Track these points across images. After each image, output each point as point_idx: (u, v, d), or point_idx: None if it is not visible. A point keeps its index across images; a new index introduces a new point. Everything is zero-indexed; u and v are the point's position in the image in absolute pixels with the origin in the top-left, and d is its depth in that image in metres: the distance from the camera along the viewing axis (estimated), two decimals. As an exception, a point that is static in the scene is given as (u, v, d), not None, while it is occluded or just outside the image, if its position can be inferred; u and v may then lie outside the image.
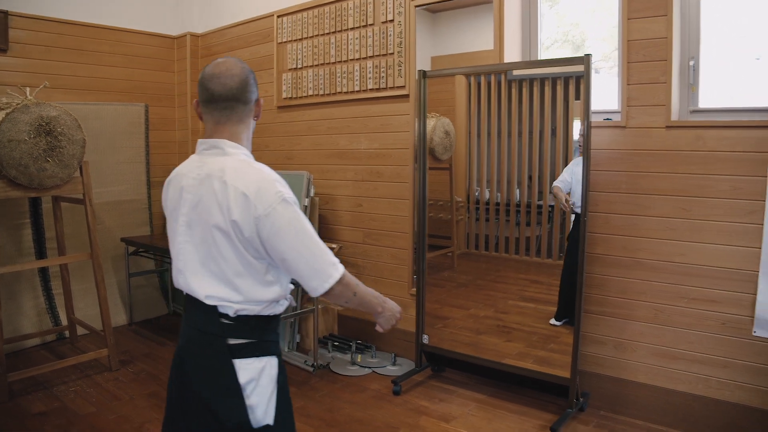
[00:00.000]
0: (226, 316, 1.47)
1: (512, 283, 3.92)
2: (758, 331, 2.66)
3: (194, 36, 5.03)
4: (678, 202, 2.84)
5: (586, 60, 2.78)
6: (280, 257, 1.42)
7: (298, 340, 4.10)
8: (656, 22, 2.82)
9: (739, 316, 2.70)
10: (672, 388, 2.90)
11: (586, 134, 2.82)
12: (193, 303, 1.52)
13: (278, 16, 4.42)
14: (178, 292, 4.91)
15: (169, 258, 4.53)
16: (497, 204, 3.70)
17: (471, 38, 3.82)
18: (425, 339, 3.58)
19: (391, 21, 3.78)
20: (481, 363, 3.34)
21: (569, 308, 3.39)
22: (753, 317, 2.67)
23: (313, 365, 3.71)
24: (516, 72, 3.35)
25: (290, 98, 4.44)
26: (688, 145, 2.79)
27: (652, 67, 2.85)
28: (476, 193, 3.81)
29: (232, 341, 1.47)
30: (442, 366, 3.69)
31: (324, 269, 1.44)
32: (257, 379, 1.49)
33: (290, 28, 4.36)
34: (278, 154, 4.59)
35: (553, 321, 3.49)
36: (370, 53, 3.91)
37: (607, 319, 3.09)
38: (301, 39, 4.31)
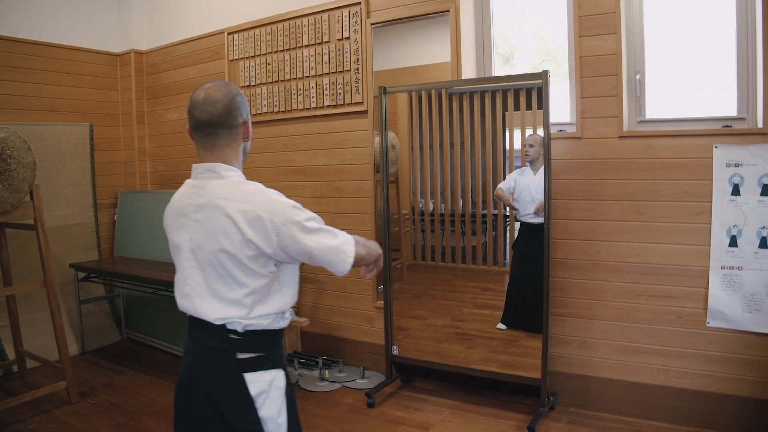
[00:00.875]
0: (234, 332, 1.50)
1: (463, 291, 4.03)
2: (711, 322, 2.88)
3: (138, 53, 4.89)
4: (632, 207, 3.04)
5: (544, 76, 2.95)
6: (306, 256, 1.49)
7: (264, 360, 4.05)
8: (606, 40, 3.02)
9: (694, 309, 2.92)
10: (635, 381, 3.09)
11: (546, 145, 2.98)
12: (198, 323, 1.54)
13: (229, 33, 4.39)
14: (131, 318, 4.73)
15: (120, 282, 4.39)
16: (442, 215, 3.81)
17: (416, 52, 3.89)
18: (395, 350, 3.63)
19: (347, 38, 3.84)
20: (454, 370, 3.43)
21: (517, 316, 3.56)
22: (706, 309, 2.89)
23: (282, 383, 3.67)
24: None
25: (244, 115, 4.39)
26: (640, 153, 3.00)
27: (604, 82, 3.06)
28: (420, 205, 3.91)
29: (241, 356, 1.50)
30: (411, 376, 3.74)
31: (344, 251, 1.53)
32: (267, 391, 1.52)
33: (242, 45, 4.34)
34: (232, 171, 4.51)
35: (500, 326, 3.63)
36: (326, 70, 3.95)
37: (570, 320, 3.25)
38: (253, 56, 4.29)
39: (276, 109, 4.21)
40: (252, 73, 4.31)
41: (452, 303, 4.02)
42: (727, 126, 2.93)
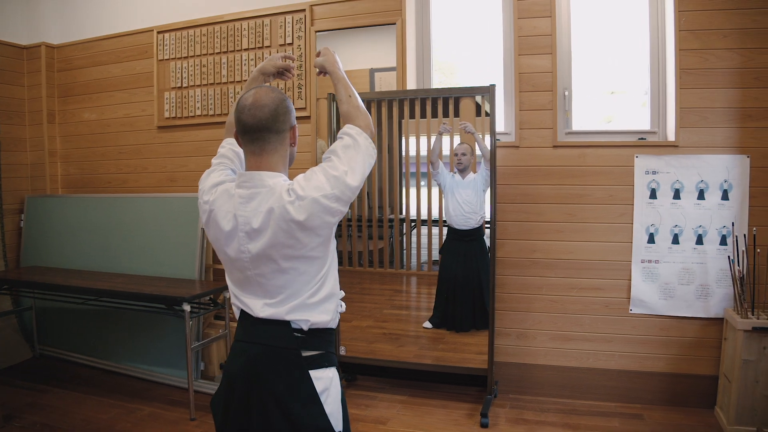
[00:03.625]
0: (299, 330, 1.53)
1: (378, 293, 4.22)
2: (634, 309, 3.30)
3: (50, 47, 4.54)
4: (564, 209, 3.39)
5: (491, 89, 3.21)
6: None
7: (202, 368, 3.94)
8: (543, 59, 3.36)
9: (619, 299, 3.33)
10: (567, 365, 3.44)
11: (492, 153, 3.24)
12: (254, 322, 1.55)
13: (159, 32, 4.23)
14: (42, 333, 4.35)
15: (32, 294, 4.04)
16: (349, 220, 3.97)
17: (361, 57, 4.01)
18: (342, 350, 3.72)
19: (290, 44, 3.87)
20: (406, 366, 3.58)
21: (447, 318, 3.80)
22: (629, 298, 3.31)
23: (228, 391, 3.61)
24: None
25: (174, 118, 4.26)
26: (571, 161, 3.36)
27: (541, 96, 3.39)
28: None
29: (305, 353, 1.53)
30: (353, 375, 3.85)
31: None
32: (329, 388, 1.55)
33: (173, 45, 4.20)
34: (159, 176, 4.35)
35: (426, 324, 3.86)
36: (267, 74, 3.94)
37: (509, 313, 3.54)
38: (186, 57, 4.17)
39: (211, 112, 4.13)
40: (184, 75, 4.19)
41: (370, 305, 4.17)
42: (642, 138, 3.38)
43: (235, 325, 3.89)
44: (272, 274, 1.51)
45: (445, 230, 3.87)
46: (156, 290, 3.46)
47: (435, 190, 3.82)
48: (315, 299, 1.54)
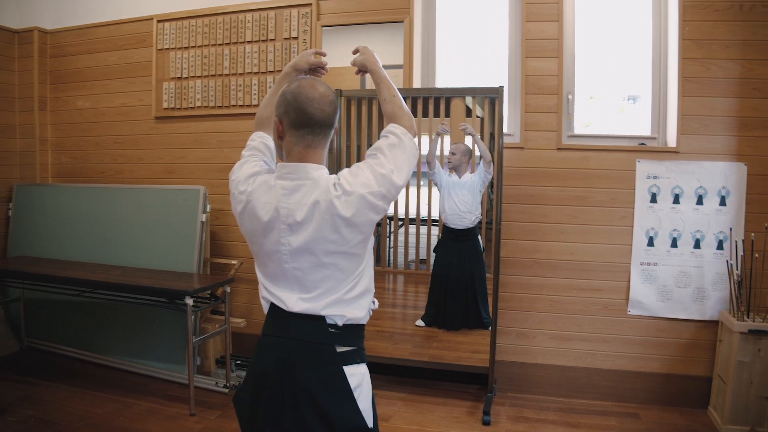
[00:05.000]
0: (334, 325, 1.52)
1: None
2: (632, 311, 3.38)
3: (42, 32, 4.42)
4: (567, 211, 3.45)
5: (499, 91, 3.24)
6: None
7: (198, 363, 3.89)
8: (550, 62, 3.41)
9: (617, 300, 3.40)
10: (565, 365, 3.50)
11: (499, 154, 3.27)
12: (286, 316, 1.53)
13: (159, 21, 4.15)
14: (31, 325, 4.24)
15: (21, 285, 3.93)
16: None
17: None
18: (341, 347, 3.71)
19: (295, 38, 3.85)
20: (407, 364, 3.60)
21: (439, 316, 3.84)
22: (627, 300, 3.38)
23: (226, 386, 3.59)
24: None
25: (172, 108, 4.19)
26: (575, 164, 3.42)
27: (546, 99, 3.44)
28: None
29: (340, 349, 1.53)
30: (351, 372, 3.84)
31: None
32: (362, 384, 1.55)
33: (174, 34, 4.13)
34: (155, 167, 4.28)
35: (419, 322, 3.90)
36: (270, 68, 3.92)
37: (510, 312, 3.59)
38: (187, 47, 4.11)
39: (212, 104, 4.08)
40: (185, 65, 4.13)
41: (362, 303, 4.19)
42: (642, 143, 3.46)
43: (235, 320, 3.87)
44: (311, 269, 1.50)
45: (434, 229, 3.91)
46: (155, 283, 3.41)
47: (424, 190, 3.84)
48: (351, 295, 1.54)
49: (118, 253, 4.01)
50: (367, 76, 1.80)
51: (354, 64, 1.80)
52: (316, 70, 1.85)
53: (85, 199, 4.17)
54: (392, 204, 3.81)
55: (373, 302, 1.64)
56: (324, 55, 1.88)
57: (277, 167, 1.56)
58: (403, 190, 3.75)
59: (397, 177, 1.51)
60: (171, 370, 3.76)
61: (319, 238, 1.47)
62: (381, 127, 3.68)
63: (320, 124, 1.50)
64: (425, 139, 3.69)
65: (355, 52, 1.80)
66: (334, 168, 3.70)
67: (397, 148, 1.55)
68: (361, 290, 1.56)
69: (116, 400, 3.44)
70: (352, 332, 1.56)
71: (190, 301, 3.22)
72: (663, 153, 3.31)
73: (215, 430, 3.11)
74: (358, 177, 1.48)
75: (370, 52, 1.77)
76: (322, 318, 1.51)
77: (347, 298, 1.53)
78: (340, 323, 1.53)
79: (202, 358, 3.91)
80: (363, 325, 1.61)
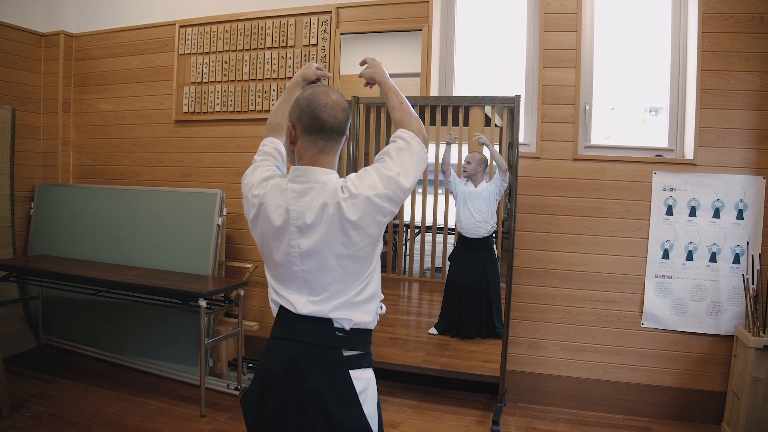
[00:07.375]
0: (341, 329, 1.54)
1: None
2: (646, 323, 3.35)
3: (68, 36, 4.52)
4: (582, 221, 3.44)
5: (516, 100, 3.25)
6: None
7: (210, 365, 3.93)
8: (567, 72, 3.41)
9: (631, 312, 3.37)
10: (577, 376, 3.48)
11: (516, 163, 3.28)
12: (295, 319, 1.55)
13: (181, 26, 4.23)
14: (48, 323, 4.31)
15: (39, 283, 4.00)
16: None
17: (384, 61, 4.02)
18: (352, 352, 3.72)
19: (315, 45, 3.90)
20: (415, 371, 3.60)
21: (450, 323, 3.84)
22: (641, 312, 3.35)
23: (237, 388, 3.62)
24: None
25: (192, 113, 4.25)
26: (590, 174, 3.41)
27: (563, 110, 3.44)
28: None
29: (346, 353, 1.54)
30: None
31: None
32: (367, 389, 1.56)
33: (195, 40, 4.20)
34: (173, 170, 4.35)
35: (432, 330, 3.89)
36: (289, 74, 3.97)
37: (522, 322, 3.57)
38: (208, 53, 4.18)
39: (231, 109, 4.13)
40: (205, 70, 4.19)
41: (376, 310, 4.20)
42: (659, 155, 3.44)
43: (248, 323, 3.91)
44: (319, 271, 1.52)
45: (450, 238, 3.91)
46: (170, 284, 3.45)
47: (441, 198, 3.85)
48: (359, 298, 1.55)
49: (134, 254, 4.07)
50: (378, 84, 1.83)
51: (362, 76, 1.83)
52: (320, 80, 1.88)
53: (105, 200, 4.25)
54: (408, 212, 3.90)
55: (381, 307, 1.65)
56: (323, 67, 1.90)
57: (290, 170, 1.59)
58: (420, 199, 3.79)
59: (404, 179, 1.52)
60: (183, 371, 3.80)
61: (327, 241, 1.49)
62: (379, 131, 3.76)
63: (332, 130, 1.53)
64: (442, 147, 3.70)
65: (363, 63, 1.83)
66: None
67: (405, 151, 1.57)
68: (370, 294, 1.57)
69: (128, 399, 3.48)
70: (359, 336, 1.58)
71: (203, 303, 3.26)
72: (680, 165, 3.29)
73: (225, 431, 3.13)
74: (364, 180, 1.50)
75: (378, 64, 1.81)
76: (329, 321, 1.53)
77: (356, 301, 1.55)
78: (347, 327, 1.54)
79: (214, 360, 3.95)
80: (370, 330, 1.62)
